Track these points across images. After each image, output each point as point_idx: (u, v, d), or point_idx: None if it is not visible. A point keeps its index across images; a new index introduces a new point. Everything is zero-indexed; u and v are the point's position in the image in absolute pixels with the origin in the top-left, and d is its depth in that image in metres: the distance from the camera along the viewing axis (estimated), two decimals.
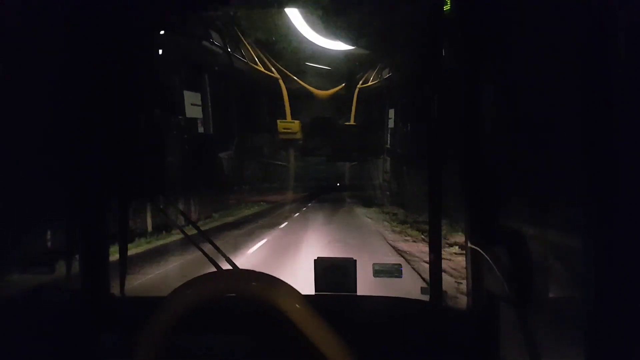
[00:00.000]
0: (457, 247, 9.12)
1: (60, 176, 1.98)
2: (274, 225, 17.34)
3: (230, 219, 18.98)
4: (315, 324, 1.19)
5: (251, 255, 10.96)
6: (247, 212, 22.42)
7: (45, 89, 1.88)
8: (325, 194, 31.81)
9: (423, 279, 7.58)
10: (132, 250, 12.22)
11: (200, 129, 12.11)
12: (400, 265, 2.12)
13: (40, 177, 1.94)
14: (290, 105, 12.78)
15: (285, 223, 18.27)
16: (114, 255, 2.10)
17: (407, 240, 13.55)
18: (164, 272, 9.63)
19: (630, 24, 0.84)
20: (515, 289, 1.32)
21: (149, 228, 13.40)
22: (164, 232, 13.58)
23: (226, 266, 1.88)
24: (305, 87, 13.50)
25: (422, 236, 12.83)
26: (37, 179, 1.93)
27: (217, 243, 2.01)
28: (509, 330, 1.45)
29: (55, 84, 1.89)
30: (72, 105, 1.91)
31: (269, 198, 25.88)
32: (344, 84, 13.39)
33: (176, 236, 12.55)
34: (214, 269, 1.82)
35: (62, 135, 1.93)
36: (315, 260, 1.92)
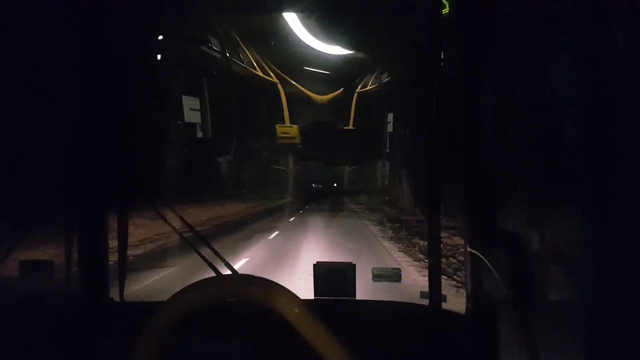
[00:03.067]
0: None
1: (60, 180, 1.98)
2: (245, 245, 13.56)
3: None
4: (315, 329, 1.19)
5: None
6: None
7: (46, 92, 1.88)
8: (322, 197, 31.65)
9: None
10: None
11: (199, 134, 12.11)
12: (399, 269, 2.11)
13: (40, 181, 1.94)
14: (288, 110, 12.78)
15: (250, 249, 13.34)
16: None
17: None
18: None
19: (630, 24, 0.84)
20: (515, 292, 1.32)
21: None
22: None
23: (225, 270, 1.88)
24: (303, 92, 13.51)
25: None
26: (36, 183, 1.93)
27: None
28: (509, 334, 1.45)
29: (56, 88, 1.89)
30: (71, 109, 1.91)
31: (251, 203, 24.48)
32: (342, 89, 13.41)
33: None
34: (213, 273, 1.82)
35: (61, 140, 1.94)
36: (314, 264, 1.92)
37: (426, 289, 1.91)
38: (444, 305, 1.89)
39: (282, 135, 12.81)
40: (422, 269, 10.01)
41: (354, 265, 1.91)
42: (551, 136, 1.14)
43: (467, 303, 1.74)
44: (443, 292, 1.90)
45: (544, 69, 1.17)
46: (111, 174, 2.02)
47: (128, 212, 2.14)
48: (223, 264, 1.95)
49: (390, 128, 15.04)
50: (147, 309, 1.25)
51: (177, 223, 2.02)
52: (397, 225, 16.82)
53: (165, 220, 2.14)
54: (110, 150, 1.99)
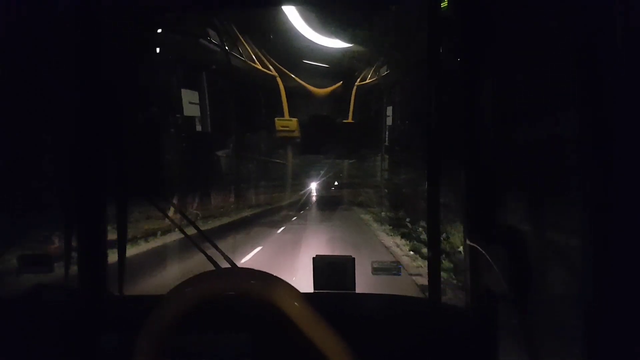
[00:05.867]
0: None
1: (59, 176, 1.98)
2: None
3: None
4: (314, 322, 1.19)
5: None
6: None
7: (45, 90, 1.88)
8: (319, 195, 31.52)
9: None
10: None
11: (198, 127, 12.09)
12: (399, 262, 2.12)
13: (38, 177, 1.93)
14: (287, 103, 12.78)
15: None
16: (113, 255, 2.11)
17: None
18: None
19: (629, 22, 0.84)
20: (514, 286, 1.32)
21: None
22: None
23: (225, 265, 1.88)
24: (302, 85, 13.51)
25: None
26: (35, 179, 1.93)
27: None
28: (508, 328, 1.45)
29: (55, 85, 1.88)
30: (70, 106, 1.91)
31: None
32: (341, 82, 13.41)
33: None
34: (213, 268, 1.82)
35: (60, 136, 1.93)
36: (314, 258, 1.92)
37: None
38: (443, 299, 1.90)
39: (281, 128, 12.79)
40: None
41: (354, 258, 1.92)
42: (551, 131, 1.14)
43: (466, 297, 1.75)
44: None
45: (544, 65, 1.17)
46: (110, 169, 2.02)
47: (127, 206, 2.14)
48: (222, 257, 1.96)
49: (389, 121, 15.01)
50: (146, 303, 1.25)
51: (177, 217, 2.03)
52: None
53: (165, 215, 2.15)
54: (108, 146, 1.99)
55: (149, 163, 2.18)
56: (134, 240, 12.76)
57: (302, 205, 27.82)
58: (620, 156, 0.86)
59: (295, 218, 21.54)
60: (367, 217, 21.14)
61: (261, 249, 12.55)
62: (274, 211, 23.80)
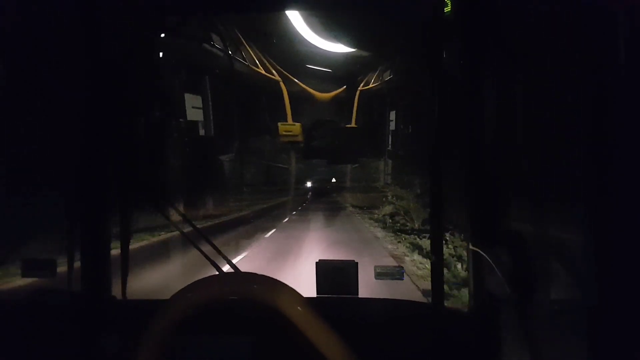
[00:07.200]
0: None
1: (62, 178, 1.99)
2: None
3: None
4: (317, 327, 1.19)
5: None
6: None
7: (48, 93, 1.88)
8: (317, 196, 31.70)
9: None
10: None
11: (201, 132, 12.09)
12: (401, 267, 2.12)
13: (42, 179, 1.94)
14: (291, 108, 12.77)
15: None
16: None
17: None
18: None
19: (630, 24, 0.84)
20: (517, 290, 1.32)
21: None
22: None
23: (227, 268, 1.88)
24: (306, 90, 13.49)
25: None
26: (38, 181, 1.93)
27: None
28: (511, 332, 1.45)
29: (58, 88, 1.89)
30: (74, 108, 1.91)
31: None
32: (345, 87, 13.39)
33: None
34: (215, 271, 1.83)
35: (63, 138, 1.94)
36: (317, 262, 1.92)
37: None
38: (446, 303, 1.89)
39: (284, 133, 12.80)
40: None
41: (356, 263, 1.92)
42: (552, 135, 1.14)
43: (469, 301, 1.75)
44: None
45: (545, 68, 1.17)
46: (113, 171, 2.03)
47: (131, 209, 2.14)
48: (225, 262, 1.96)
49: (392, 126, 15.00)
50: (149, 307, 1.26)
51: (179, 220, 2.02)
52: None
53: (168, 218, 2.15)
54: (112, 148, 2.00)
55: (152, 166, 2.19)
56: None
57: (304, 202, 28.18)
58: (620, 157, 0.87)
59: (295, 213, 21.97)
60: None
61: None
62: (274, 210, 24.08)
